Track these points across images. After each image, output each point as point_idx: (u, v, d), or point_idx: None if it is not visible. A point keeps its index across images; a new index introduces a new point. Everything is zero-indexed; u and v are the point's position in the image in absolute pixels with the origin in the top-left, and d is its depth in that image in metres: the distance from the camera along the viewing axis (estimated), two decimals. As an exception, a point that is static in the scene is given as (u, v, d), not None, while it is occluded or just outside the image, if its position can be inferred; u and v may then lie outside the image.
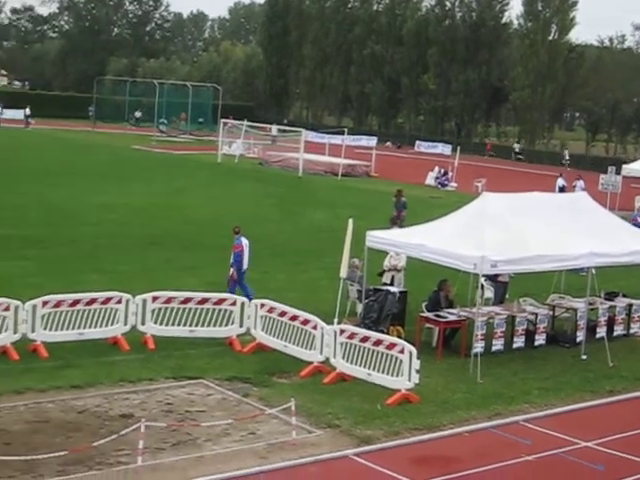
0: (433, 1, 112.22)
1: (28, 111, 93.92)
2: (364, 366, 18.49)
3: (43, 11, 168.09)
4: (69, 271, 26.36)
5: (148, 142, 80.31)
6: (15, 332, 18.82)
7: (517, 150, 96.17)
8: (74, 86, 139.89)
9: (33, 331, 19.03)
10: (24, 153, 63.82)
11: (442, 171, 63.22)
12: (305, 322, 19.64)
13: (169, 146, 79.09)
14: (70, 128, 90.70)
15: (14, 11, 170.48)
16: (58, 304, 19.34)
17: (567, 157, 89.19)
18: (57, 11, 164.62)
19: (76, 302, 19.55)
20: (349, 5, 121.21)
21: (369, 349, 18.43)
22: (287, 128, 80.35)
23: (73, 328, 19.46)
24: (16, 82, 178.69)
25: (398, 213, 36.82)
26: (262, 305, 20.69)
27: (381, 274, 25.06)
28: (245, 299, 21.22)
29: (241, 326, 20.81)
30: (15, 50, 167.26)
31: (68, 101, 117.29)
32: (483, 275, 21.48)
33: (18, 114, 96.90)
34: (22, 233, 32.10)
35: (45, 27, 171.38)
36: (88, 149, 70.85)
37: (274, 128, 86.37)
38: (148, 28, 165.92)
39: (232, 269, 23.97)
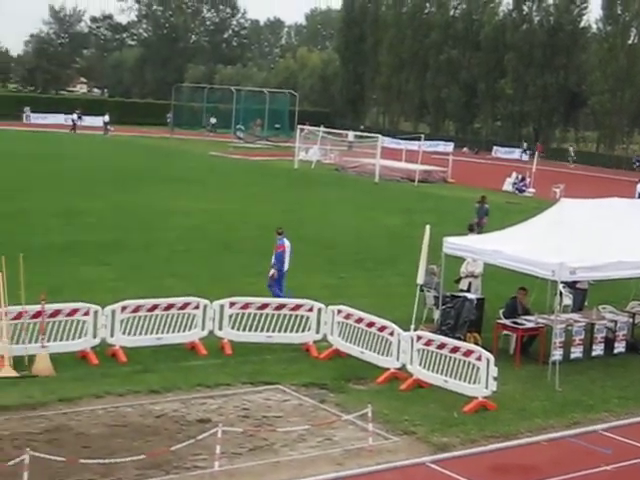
0: (510, 6, 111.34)
1: (107, 118, 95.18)
2: (441, 373, 18.40)
3: (122, 19, 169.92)
4: (147, 276, 26.63)
5: (225, 148, 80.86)
6: (94, 337, 19.08)
7: (572, 153, 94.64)
8: (152, 93, 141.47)
9: (112, 336, 19.27)
10: (103, 160, 64.61)
11: (520, 177, 62.74)
12: (382, 328, 19.60)
13: (246, 152, 79.55)
14: (148, 135, 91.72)
15: (93, 20, 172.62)
16: (137, 309, 19.56)
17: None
18: (136, 19, 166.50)
19: (154, 307, 19.75)
20: (425, 11, 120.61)
21: (446, 356, 18.34)
22: (363, 134, 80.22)
23: (151, 333, 19.67)
24: (95, 89, 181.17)
25: (479, 220, 36.58)
26: (339, 311, 20.68)
27: (458, 281, 24.93)
28: (315, 303, 21.11)
29: (318, 332, 20.83)
30: (94, 58, 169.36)
31: (146, 108, 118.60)
32: (562, 282, 21.26)
33: (97, 121, 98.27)
34: (101, 238, 32.52)
35: (124, 35, 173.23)
36: (166, 156, 71.50)
37: (350, 134, 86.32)
38: (225, 35, 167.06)
39: (273, 269, 24.23)
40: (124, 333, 19.37)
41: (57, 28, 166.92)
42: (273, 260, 24.42)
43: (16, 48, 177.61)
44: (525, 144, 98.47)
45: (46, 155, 64.79)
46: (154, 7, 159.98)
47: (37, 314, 18.50)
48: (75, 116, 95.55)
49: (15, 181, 47.91)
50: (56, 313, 18.75)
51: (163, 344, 19.75)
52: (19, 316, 18.40)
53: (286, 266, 24.36)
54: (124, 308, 19.44)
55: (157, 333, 19.71)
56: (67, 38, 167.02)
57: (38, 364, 18.04)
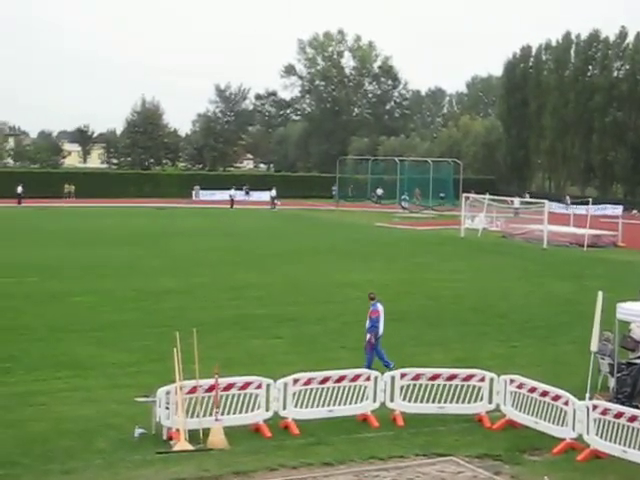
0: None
1: (274, 192, 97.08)
2: (619, 443, 17.81)
3: (286, 95, 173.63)
4: (318, 349, 26.76)
5: (390, 219, 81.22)
6: (267, 410, 19.24)
7: None
8: (317, 166, 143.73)
9: (284, 408, 19.39)
10: (270, 233, 65.75)
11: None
12: (556, 398, 19.16)
13: (411, 222, 79.72)
14: (314, 208, 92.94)
15: (258, 97, 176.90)
16: (308, 382, 19.64)
17: None
18: (299, 95, 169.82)
19: (326, 379, 19.81)
20: (588, 74, 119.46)
21: (625, 425, 17.76)
22: (529, 200, 79.51)
23: (323, 405, 19.70)
24: (261, 165, 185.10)
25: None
26: (511, 381, 20.33)
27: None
28: (487, 373, 20.85)
29: (490, 402, 20.52)
30: (260, 134, 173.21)
31: (311, 181, 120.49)
32: None
33: (264, 196, 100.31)
34: (272, 312, 32.91)
35: (288, 111, 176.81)
36: (332, 228, 72.27)
37: (516, 200, 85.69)
38: (387, 107, 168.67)
39: (369, 335, 24.21)
40: (296, 406, 19.47)
41: (223, 107, 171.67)
42: (368, 325, 24.47)
43: (184, 128, 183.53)
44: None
45: (213, 230, 66.42)
46: (317, 82, 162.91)
47: (211, 388, 18.79)
48: (233, 192, 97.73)
49: (186, 258, 49.14)
50: (229, 387, 19.00)
51: (335, 416, 19.75)
52: (194, 390, 18.73)
53: (381, 331, 24.40)
54: (296, 381, 19.56)
55: (329, 405, 19.74)
56: (233, 116, 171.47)
57: (213, 437, 18.27)
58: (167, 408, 18.43)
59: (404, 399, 20.29)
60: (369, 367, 23.10)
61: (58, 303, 33.85)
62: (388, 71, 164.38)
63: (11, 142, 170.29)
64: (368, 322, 24.47)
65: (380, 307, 24.60)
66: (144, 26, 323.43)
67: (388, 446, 18.52)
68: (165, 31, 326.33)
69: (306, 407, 19.57)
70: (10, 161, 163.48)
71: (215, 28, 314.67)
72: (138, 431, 18.48)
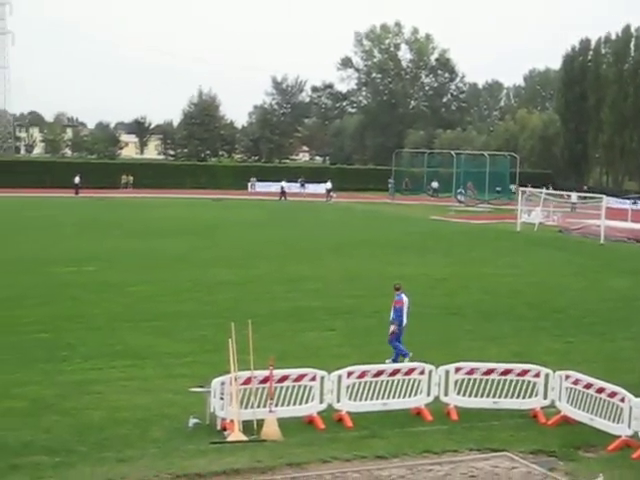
0: None
1: (329, 185, 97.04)
2: (677, 441, 17.65)
3: (342, 88, 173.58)
4: (373, 342, 26.68)
5: (446, 212, 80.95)
6: (321, 402, 19.27)
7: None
8: (372, 159, 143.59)
9: (338, 401, 19.41)
10: (325, 225, 65.82)
11: None
12: (612, 395, 18.96)
13: (467, 216, 79.40)
14: (370, 201, 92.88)
15: (314, 89, 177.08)
16: (362, 374, 19.64)
17: None
18: (355, 87, 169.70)
19: (380, 372, 19.80)
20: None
21: (682, 424, 17.58)
22: (587, 194, 78.80)
23: (377, 398, 19.68)
24: (317, 157, 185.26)
25: None
26: (567, 377, 20.18)
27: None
28: (542, 368, 20.68)
29: (545, 398, 20.38)
30: (316, 126, 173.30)
31: (367, 174, 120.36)
32: None
33: (319, 188, 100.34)
34: (327, 304, 32.94)
35: (344, 103, 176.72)
36: (387, 221, 72.15)
37: (573, 195, 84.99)
38: (444, 100, 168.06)
39: (392, 325, 24.32)
40: (350, 398, 19.48)
41: (280, 99, 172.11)
42: (392, 316, 24.57)
43: (241, 120, 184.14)
44: None
45: (268, 222, 66.68)
46: (373, 75, 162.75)
47: (265, 379, 18.84)
48: (284, 183, 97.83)
49: (241, 249, 49.35)
50: (284, 378, 19.05)
51: (389, 409, 19.73)
52: (248, 381, 18.81)
53: (404, 321, 24.49)
54: (350, 373, 19.57)
55: (383, 398, 19.72)
56: (289, 108, 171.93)
57: (266, 428, 18.32)
58: (221, 399, 18.52)
59: (458, 393, 20.24)
60: (399, 357, 23.29)
61: (115, 293, 34.16)
62: (445, 64, 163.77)
63: (69, 133, 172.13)
64: (392, 312, 24.61)
65: (405, 298, 24.71)
66: (203, 19, 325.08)
67: (442, 440, 18.45)
68: (223, 24, 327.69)
69: (360, 400, 19.57)
70: (68, 152, 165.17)
71: (273, 21, 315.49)
72: (192, 421, 18.60)
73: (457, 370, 20.31)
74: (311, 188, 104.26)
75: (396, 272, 40.94)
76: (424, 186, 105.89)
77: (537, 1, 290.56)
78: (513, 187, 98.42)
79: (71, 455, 16.90)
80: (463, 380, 20.28)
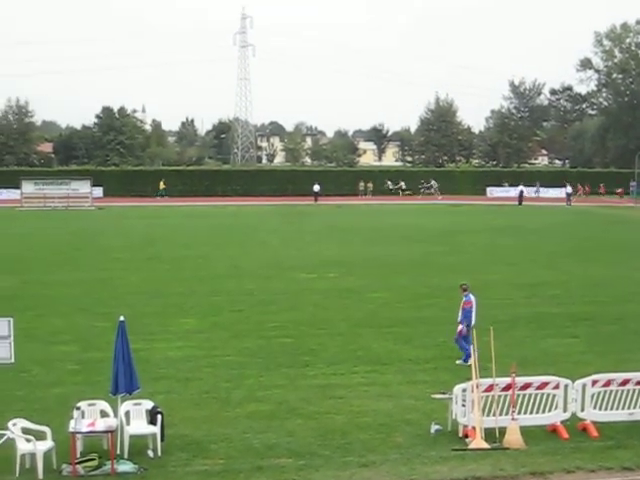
0: None
1: (569, 189, 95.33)
2: None
3: (581, 89, 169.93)
4: (617, 349, 26.04)
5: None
6: (565, 410, 18.94)
7: None
8: (614, 162, 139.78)
9: (582, 410, 19.02)
10: (558, 230, 64.57)
11: None
12: None
13: None
14: (609, 204, 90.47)
15: (553, 92, 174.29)
16: (607, 383, 19.19)
17: None
18: (595, 89, 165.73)
19: (626, 381, 19.28)
20: None
21: None
22: None
23: (623, 408, 19.18)
24: (556, 161, 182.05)
25: None
26: None
27: None
28: None
29: None
30: (555, 130, 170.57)
31: (608, 177, 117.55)
32: None
33: (558, 192, 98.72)
34: (568, 310, 32.33)
35: (584, 105, 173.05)
36: (623, 225, 70.15)
37: None
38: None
39: (461, 325, 24.23)
40: (595, 407, 19.06)
41: (517, 102, 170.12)
42: (460, 316, 24.44)
43: (478, 125, 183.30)
44: None
45: (504, 228, 65.97)
46: (614, 75, 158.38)
47: (507, 387, 18.70)
48: (522, 188, 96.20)
49: (478, 254, 49.10)
50: (526, 386, 18.85)
51: (635, 419, 19.17)
52: (490, 388, 18.70)
53: (473, 321, 24.11)
54: (595, 382, 19.15)
55: (629, 408, 19.19)
56: (527, 111, 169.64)
57: (509, 436, 18.17)
58: (463, 405, 18.49)
59: None
60: (468, 358, 22.78)
61: (355, 299, 34.62)
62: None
63: (309, 141, 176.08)
64: (460, 313, 24.59)
65: (473, 298, 24.63)
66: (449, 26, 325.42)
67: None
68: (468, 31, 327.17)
69: (605, 409, 19.12)
70: (308, 160, 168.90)
71: (510, 24, 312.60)
72: (434, 427, 18.64)
73: None
74: (551, 192, 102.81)
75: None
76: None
77: None
78: None
79: (314, 458, 17.25)
80: None
